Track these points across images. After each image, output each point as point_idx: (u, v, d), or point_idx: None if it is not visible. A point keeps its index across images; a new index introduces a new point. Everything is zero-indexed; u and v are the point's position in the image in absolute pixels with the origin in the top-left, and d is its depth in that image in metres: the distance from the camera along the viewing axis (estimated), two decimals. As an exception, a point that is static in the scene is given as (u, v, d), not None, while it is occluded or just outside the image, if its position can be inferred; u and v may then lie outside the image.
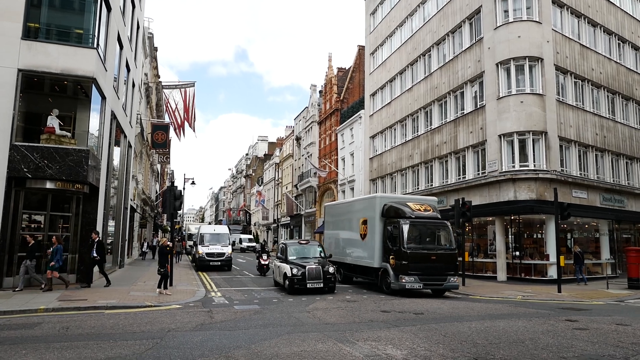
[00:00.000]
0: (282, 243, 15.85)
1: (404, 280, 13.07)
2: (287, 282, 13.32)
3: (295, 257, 14.27)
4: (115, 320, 8.70)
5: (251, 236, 56.17)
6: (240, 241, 49.73)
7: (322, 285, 13.16)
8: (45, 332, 7.54)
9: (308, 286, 13.01)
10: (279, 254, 15.27)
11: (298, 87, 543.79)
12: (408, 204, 14.38)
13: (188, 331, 7.82)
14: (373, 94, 32.38)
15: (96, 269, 13.84)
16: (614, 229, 21.96)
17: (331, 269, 13.49)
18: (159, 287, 12.58)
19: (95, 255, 13.24)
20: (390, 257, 13.57)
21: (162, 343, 6.87)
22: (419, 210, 14.12)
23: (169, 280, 13.29)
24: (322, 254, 14.90)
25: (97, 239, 13.41)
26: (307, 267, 13.23)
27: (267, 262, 19.46)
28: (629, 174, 23.11)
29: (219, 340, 7.13)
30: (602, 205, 20.90)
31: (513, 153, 19.01)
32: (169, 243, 13.93)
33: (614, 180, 22.08)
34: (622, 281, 17.67)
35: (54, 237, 12.38)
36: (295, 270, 13.20)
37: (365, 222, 15.16)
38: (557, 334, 7.85)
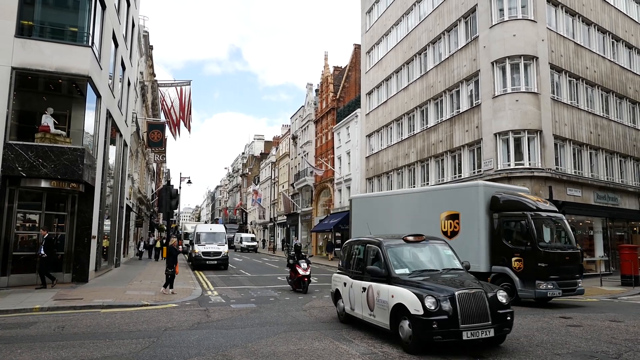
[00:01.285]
0: (368, 241, 8.06)
1: (543, 287, 10.68)
2: (408, 328, 6.30)
3: (408, 271, 7.12)
4: (111, 319, 8.69)
5: (253, 235, 53.33)
6: (241, 240, 46.14)
7: (492, 332, 6.16)
8: (40, 332, 7.51)
9: (465, 336, 6.01)
10: (354, 265, 8.35)
11: (293, 86, 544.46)
12: (520, 194, 12.26)
13: (184, 330, 7.82)
14: (369, 93, 32.42)
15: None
16: (608, 227, 22.14)
17: (502, 296, 6.49)
18: (165, 286, 12.46)
19: (42, 253, 11.99)
20: (514, 259, 11.10)
21: (159, 342, 6.87)
22: (538, 201, 11.90)
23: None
24: (458, 262, 7.63)
25: (47, 235, 12.29)
26: (456, 294, 6.23)
27: (307, 273, 13.45)
28: (622, 172, 23.30)
29: (215, 339, 7.13)
30: (596, 203, 21.06)
31: (508, 151, 19.11)
32: (178, 245, 13.83)
33: (607, 179, 22.25)
34: (615, 278, 17.83)
35: None
36: (430, 302, 6.12)
37: (454, 217, 12.39)
38: (551, 330, 7.91)
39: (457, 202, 12.54)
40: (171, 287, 12.48)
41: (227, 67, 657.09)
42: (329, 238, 37.66)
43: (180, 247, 31.38)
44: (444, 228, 12.62)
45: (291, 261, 14.19)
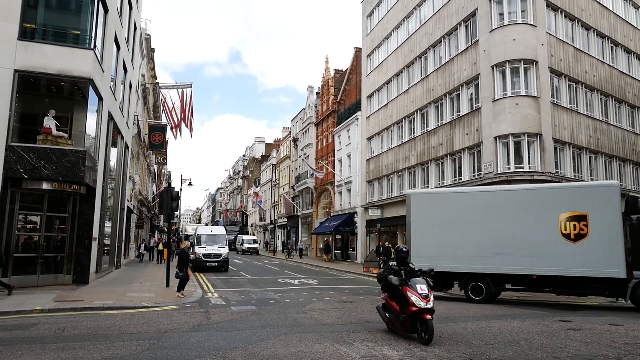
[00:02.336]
0: None
1: None
2: None
3: None
4: (112, 321, 8.70)
5: (254, 237, 51.72)
6: (242, 242, 44.79)
7: None
8: (41, 333, 7.53)
9: None
10: None
11: (292, 88, 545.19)
12: None
13: (185, 332, 7.84)
14: (370, 96, 32.51)
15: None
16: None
17: None
18: (178, 290, 12.39)
19: None
20: None
21: (159, 344, 6.89)
22: None
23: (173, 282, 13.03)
24: None
25: None
26: None
27: (430, 306, 7.10)
28: (621, 175, 23.34)
29: (215, 340, 7.15)
30: (596, 207, 21.05)
31: (508, 155, 19.16)
32: (190, 250, 13.71)
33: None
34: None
35: None
36: None
37: (579, 219, 11.43)
38: (551, 334, 7.94)
39: (584, 202, 11.53)
40: (180, 290, 12.48)
41: (227, 69, 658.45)
42: (328, 240, 37.70)
43: (174, 248, 31.25)
44: (565, 230, 11.54)
45: (395, 280, 7.40)
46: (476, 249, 12.37)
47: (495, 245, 12.13)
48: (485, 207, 12.66)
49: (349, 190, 35.23)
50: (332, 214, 37.65)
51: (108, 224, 18.32)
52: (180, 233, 47.58)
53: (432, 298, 7.20)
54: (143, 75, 29.11)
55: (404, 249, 7.96)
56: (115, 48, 17.27)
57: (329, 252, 34.42)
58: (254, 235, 62.32)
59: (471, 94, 21.94)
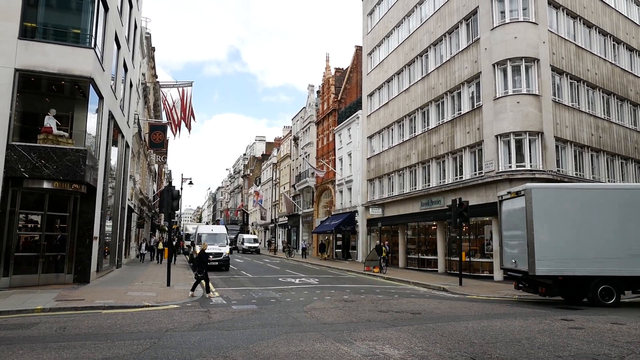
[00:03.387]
0: None
1: None
2: None
3: None
4: (113, 320, 8.71)
5: (255, 236, 51.70)
6: (243, 241, 44.52)
7: None
8: (42, 332, 7.53)
9: None
10: None
11: (292, 87, 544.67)
12: None
13: (186, 331, 7.83)
14: (370, 95, 32.46)
15: None
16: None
17: None
18: (207, 291, 12.54)
19: None
20: None
21: (160, 343, 6.89)
22: None
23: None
24: None
25: None
26: None
27: None
28: (624, 174, 23.26)
29: (216, 340, 7.14)
30: (598, 205, 20.97)
31: (510, 153, 19.10)
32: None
33: (609, 181, 22.21)
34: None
35: None
36: None
37: None
38: (553, 333, 7.91)
39: None
40: (207, 290, 12.56)
41: (227, 68, 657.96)
42: (328, 239, 37.73)
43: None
44: None
45: None
46: (611, 250, 11.60)
47: (633, 246, 11.54)
48: (621, 206, 11.91)
49: (349, 189, 35.21)
50: (333, 213, 37.64)
51: (109, 223, 18.32)
52: (181, 232, 47.55)
53: None
54: (143, 74, 29.08)
55: None
56: (115, 47, 17.25)
57: (324, 250, 34.46)
58: (254, 234, 62.22)
59: (472, 93, 21.89)
